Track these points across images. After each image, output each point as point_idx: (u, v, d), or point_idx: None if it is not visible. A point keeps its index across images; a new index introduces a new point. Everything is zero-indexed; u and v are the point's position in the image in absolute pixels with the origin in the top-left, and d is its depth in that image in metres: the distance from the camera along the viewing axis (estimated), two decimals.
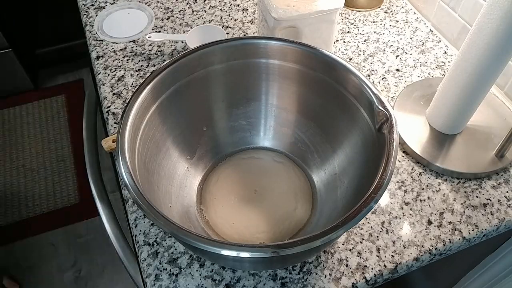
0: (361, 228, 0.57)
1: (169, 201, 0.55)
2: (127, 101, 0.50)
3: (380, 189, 0.41)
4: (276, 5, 0.67)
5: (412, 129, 0.67)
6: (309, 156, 0.63)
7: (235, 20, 0.86)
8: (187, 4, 0.89)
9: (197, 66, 0.56)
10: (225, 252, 0.38)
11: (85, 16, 0.87)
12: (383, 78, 0.76)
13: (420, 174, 0.64)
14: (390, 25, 0.86)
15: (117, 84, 0.74)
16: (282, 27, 0.68)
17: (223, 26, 0.85)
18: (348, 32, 0.85)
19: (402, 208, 0.60)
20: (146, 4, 0.88)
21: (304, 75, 0.58)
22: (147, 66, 0.77)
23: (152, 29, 0.83)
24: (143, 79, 0.53)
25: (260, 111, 0.64)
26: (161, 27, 0.84)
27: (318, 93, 0.58)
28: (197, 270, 0.53)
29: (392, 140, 0.45)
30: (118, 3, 0.88)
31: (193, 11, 0.88)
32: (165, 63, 0.54)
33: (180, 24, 0.85)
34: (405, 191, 0.62)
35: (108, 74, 0.76)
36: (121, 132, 0.47)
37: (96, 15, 0.87)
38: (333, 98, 0.56)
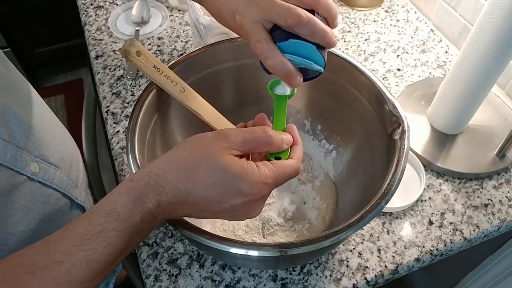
0: (362, 229, 0.57)
1: None
2: (138, 96, 0.50)
3: (387, 195, 0.41)
4: (204, 12, 0.65)
5: (413, 129, 0.67)
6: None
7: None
8: None
9: (210, 63, 0.56)
10: (234, 250, 0.38)
11: (84, 15, 0.87)
12: (384, 78, 0.76)
13: None
14: (391, 25, 0.86)
15: (116, 84, 0.74)
16: (214, 34, 0.67)
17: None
18: (349, 31, 0.84)
19: (403, 209, 0.59)
20: None
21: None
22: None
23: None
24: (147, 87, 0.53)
25: (272, 110, 0.64)
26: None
27: (330, 94, 0.58)
28: (196, 271, 0.53)
29: (403, 147, 0.44)
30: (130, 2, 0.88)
31: None
32: (178, 58, 0.54)
33: None
34: None
35: (107, 74, 0.76)
36: (132, 124, 0.47)
37: (96, 15, 0.86)
38: (345, 100, 0.56)
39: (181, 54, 0.78)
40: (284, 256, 0.41)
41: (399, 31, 0.85)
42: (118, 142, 0.66)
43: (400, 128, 0.46)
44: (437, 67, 0.78)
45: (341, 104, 0.57)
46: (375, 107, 0.51)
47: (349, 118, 0.57)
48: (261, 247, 0.39)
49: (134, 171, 0.43)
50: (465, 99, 0.61)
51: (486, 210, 0.59)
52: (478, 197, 0.61)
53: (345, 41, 0.82)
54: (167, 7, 0.87)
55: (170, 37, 0.82)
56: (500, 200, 0.60)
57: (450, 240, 0.56)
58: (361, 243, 0.56)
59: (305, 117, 0.63)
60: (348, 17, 0.87)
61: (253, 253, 0.38)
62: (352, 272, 0.53)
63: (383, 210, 0.58)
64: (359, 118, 0.55)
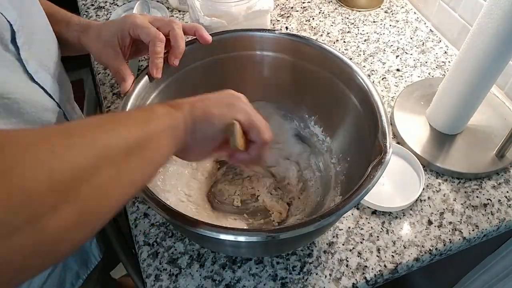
0: (361, 229, 0.57)
1: (171, 195, 0.56)
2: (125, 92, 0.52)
3: (368, 186, 0.43)
4: (204, 13, 0.65)
5: (412, 129, 0.67)
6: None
7: None
8: None
9: (193, 57, 0.57)
10: (223, 237, 0.40)
11: (85, 16, 0.87)
12: (383, 78, 0.76)
13: None
14: (390, 25, 0.86)
15: (117, 84, 0.74)
16: None
17: None
18: (348, 32, 0.84)
19: (402, 208, 0.59)
20: None
21: (298, 68, 0.59)
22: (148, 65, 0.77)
23: None
24: (140, 71, 0.54)
25: (260, 104, 0.65)
26: None
27: (332, 103, 0.59)
28: (197, 271, 0.53)
29: (372, 176, 0.43)
30: (131, 3, 0.88)
31: None
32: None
33: None
34: None
35: (108, 74, 0.76)
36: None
37: (97, 15, 0.87)
38: (332, 93, 0.57)
39: None
40: (272, 241, 0.42)
41: (398, 31, 0.85)
42: None
43: (379, 159, 0.45)
44: (436, 67, 0.78)
45: (328, 97, 0.59)
46: (372, 129, 0.50)
47: (339, 112, 0.58)
48: (249, 233, 0.41)
49: None
50: (464, 99, 0.62)
51: (485, 210, 0.59)
52: (477, 197, 0.61)
53: (344, 42, 0.82)
54: (168, 8, 0.88)
55: None
56: (499, 200, 0.60)
57: (449, 239, 0.56)
58: (361, 242, 0.56)
59: (295, 110, 0.64)
60: (347, 18, 0.87)
61: (242, 238, 0.40)
62: (352, 272, 0.53)
63: (382, 210, 0.58)
64: (355, 129, 0.56)
